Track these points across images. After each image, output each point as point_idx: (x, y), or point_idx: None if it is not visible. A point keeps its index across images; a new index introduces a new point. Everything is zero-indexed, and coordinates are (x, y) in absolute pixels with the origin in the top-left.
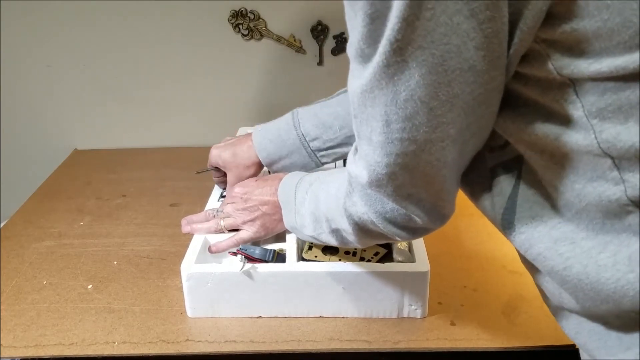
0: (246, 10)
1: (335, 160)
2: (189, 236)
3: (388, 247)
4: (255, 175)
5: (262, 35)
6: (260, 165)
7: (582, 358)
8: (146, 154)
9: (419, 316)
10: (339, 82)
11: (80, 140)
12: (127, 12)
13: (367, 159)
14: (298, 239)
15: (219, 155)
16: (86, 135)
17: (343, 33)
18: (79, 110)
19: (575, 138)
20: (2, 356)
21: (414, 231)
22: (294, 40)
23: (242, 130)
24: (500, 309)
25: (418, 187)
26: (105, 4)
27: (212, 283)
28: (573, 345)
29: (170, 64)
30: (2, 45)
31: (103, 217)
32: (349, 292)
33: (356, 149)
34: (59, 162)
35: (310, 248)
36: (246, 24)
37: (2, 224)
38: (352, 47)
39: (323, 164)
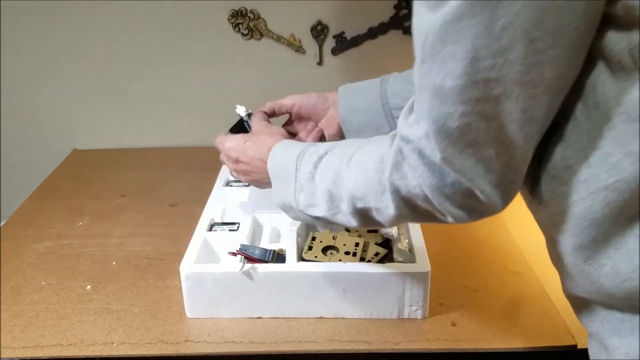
0: (246, 9)
1: None
2: (188, 236)
3: (388, 247)
4: (330, 120)
5: (261, 35)
6: (329, 95)
7: (590, 353)
8: (146, 154)
9: (419, 317)
10: (339, 81)
11: (80, 140)
12: (126, 12)
13: (432, 114)
14: (298, 239)
15: (292, 97)
16: (85, 135)
17: (343, 33)
18: (79, 110)
19: None
20: (1, 356)
21: (472, 211)
22: (294, 40)
23: None
24: (501, 310)
25: (491, 149)
26: (105, 4)
27: (211, 283)
28: (574, 346)
29: (170, 63)
30: (2, 45)
31: (102, 218)
32: (349, 293)
33: (411, 110)
34: (58, 162)
35: (310, 248)
36: (246, 23)
37: (1, 224)
38: None
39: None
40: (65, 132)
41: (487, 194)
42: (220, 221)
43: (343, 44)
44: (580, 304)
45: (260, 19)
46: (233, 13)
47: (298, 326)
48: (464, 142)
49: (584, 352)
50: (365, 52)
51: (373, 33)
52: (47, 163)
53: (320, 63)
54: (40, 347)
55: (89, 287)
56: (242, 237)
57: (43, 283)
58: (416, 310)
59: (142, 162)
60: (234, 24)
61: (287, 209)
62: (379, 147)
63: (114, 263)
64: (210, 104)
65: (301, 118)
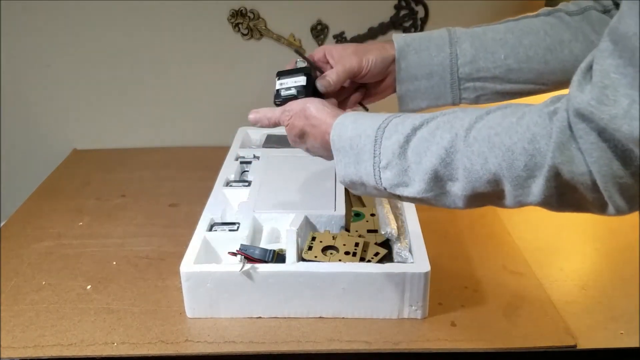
0: (246, 9)
1: (476, 97)
2: (188, 236)
3: (388, 247)
4: (376, 63)
5: (261, 35)
6: (386, 53)
7: None
8: (145, 154)
9: (419, 317)
10: None
11: (80, 140)
12: (126, 12)
13: None
14: (298, 239)
15: (333, 45)
16: (85, 135)
17: (343, 32)
18: (78, 110)
19: None
20: (1, 357)
21: (635, 206)
22: (294, 40)
23: (241, 130)
24: (501, 310)
25: None
26: (104, 4)
27: (211, 283)
28: (574, 346)
29: (170, 63)
30: (1, 45)
31: (102, 218)
32: (349, 293)
33: (588, 77)
34: (58, 162)
35: (310, 248)
36: (246, 23)
37: (1, 224)
38: None
39: (461, 100)
40: (65, 132)
41: None
42: (220, 221)
43: (343, 43)
44: None
45: (260, 19)
46: (233, 13)
47: (298, 326)
48: None
49: (584, 352)
50: None
51: (373, 33)
52: (47, 163)
53: None
54: (41, 347)
55: (89, 287)
56: (242, 237)
57: (43, 283)
58: (416, 310)
59: (142, 162)
60: (234, 24)
61: (356, 186)
62: (518, 120)
63: (114, 263)
64: (211, 103)
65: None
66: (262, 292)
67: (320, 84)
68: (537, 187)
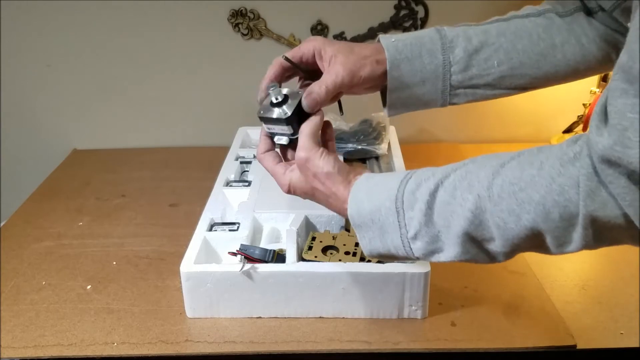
0: (246, 9)
1: (466, 102)
2: (188, 236)
3: None
4: (367, 78)
5: (261, 35)
6: (378, 67)
7: None
8: (145, 154)
9: (419, 317)
10: None
11: (80, 140)
12: (126, 12)
13: None
14: (298, 239)
15: (323, 42)
16: (85, 135)
17: (343, 32)
18: (78, 110)
19: None
20: (1, 356)
21: None
22: (294, 40)
23: (241, 130)
24: (501, 310)
25: None
26: (104, 3)
27: (211, 283)
28: (574, 346)
29: (170, 63)
30: (1, 45)
31: (102, 218)
32: (349, 293)
33: (605, 120)
34: (58, 162)
35: (310, 248)
36: (246, 23)
37: (1, 224)
38: None
39: (449, 104)
40: (66, 132)
41: None
42: (220, 221)
43: None
44: None
45: (260, 19)
46: (233, 13)
47: (298, 326)
48: None
49: (584, 352)
50: None
51: (373, 33)
52: (47, 163)
53: None
54: (41, 347)
55: (89, 287)
56: (242, 237)
57: (43, 283)
58: (416, 310)
59: (142, 162)
60: (233, 24)
61: (385, 257)
62: (539, 171)
63: (114, 263)
64: (210, 103)
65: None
66: (262, 292)
67: (306, 104)
68: (577, 234)
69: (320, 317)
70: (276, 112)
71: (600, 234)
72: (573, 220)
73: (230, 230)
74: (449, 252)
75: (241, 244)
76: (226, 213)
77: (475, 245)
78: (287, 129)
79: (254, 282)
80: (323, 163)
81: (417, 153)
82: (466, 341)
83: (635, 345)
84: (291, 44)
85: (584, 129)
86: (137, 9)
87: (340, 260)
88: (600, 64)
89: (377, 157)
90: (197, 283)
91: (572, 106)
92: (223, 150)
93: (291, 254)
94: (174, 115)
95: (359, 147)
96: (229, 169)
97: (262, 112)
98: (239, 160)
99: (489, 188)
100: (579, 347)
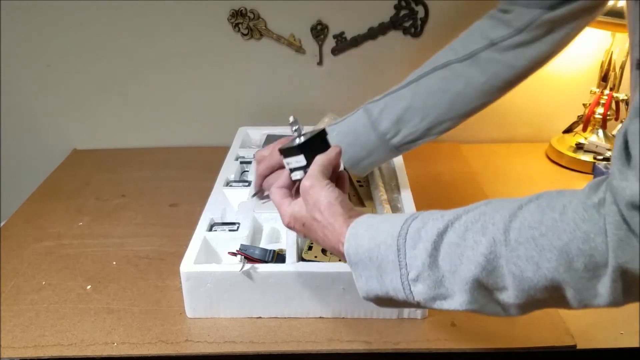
0: (246, 9)
1: (416, 146)
2: (188, 236)
3: None
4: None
5: (261, 35)
6: None
7: None
8: (145, 154)
9: (419, 317)
10: (339, 82)
11: (80, 140)
12: (126, 12)
13: None
14: (298, 239)
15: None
16: (85, 135)
17: (343, 33)
18: (78, 110)
19: None
20: (1, 356)
21: None
22: (294, 40)
23: (241, 130)
24: None
25: None
26: (104, 3)
27: (211, 283)
28: (574, 346)
29: (170, 63)
30: (1, 45)
31: (102, 218)
32: (349, 293)
33: (627, 163)
34: (58, 162)
35: (310, 248)
36: (246, 23)
37: (1, 224)
38: None
39: (403, 151)
40: (66, 132)
41: None
42: (220, 221)
43: (343, 44)
44: None
45: (260, 19)
46: (233, 13)
47: (298, 326)
48: None
49: (584, 352)
50: (365, 52)
51: (373, 33)
52: (47, 163)
53: (320, 63)
54: (41, 347)
55: (89, 287)
56: (242, 237)
57: (43, 283)
58: (416, 310)
59: (143, 162)
60: (233, 24)
61: (382, 301)
62: (561, 215)
63: (114, 263)
64: (210, 103)
65: None
66: (262, 292)
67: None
68: (604, 287)
69: (320, 317)
70: (293, 141)
71: (631, 287)
72: (599, 272)
73: (230, 230)
74: (455, 299)
75: (241, 244)
76: (226, 213)
77: (486, 294)
78: (302, 160)
79: (254, 282)
80: (326, 193)
81: (417, 153)
82: (466, 341)
83: (635, 345)
84: (291, 44)
85: (584, 129)
86: (137, 9)
87: (340, 260)
88: (519, 78)
89: None
90: (197, 283)
91: (572, 106)
92: (223, 150)
93: (291, 254)
94: (174, 115)
95: None
96: (229, 169)
97: (282, 145)
98: (239, 160)
99: (505, 232)
100: (579, 347)
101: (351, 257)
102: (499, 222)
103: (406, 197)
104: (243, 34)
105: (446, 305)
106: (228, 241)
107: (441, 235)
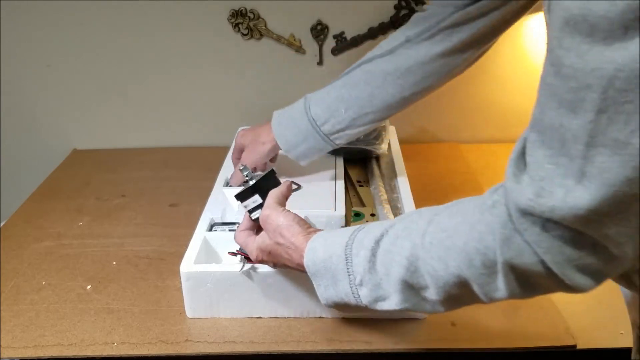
0: (246, 9)
1: (349, 141)
2: (188, 236)
3: None
4: (270, 153)
5: (261, 35)
6: (276, 145)
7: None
8: (145, 154)
9: (419, 317)
10: None
11: (80, 140)
12: (126, 12)
13: (605, 176)
14: None
15: (243, 135)
16: (85, 135)
17: (343, 32)
18: (78, 110)
19: None
20: (1, 356)
21: (601, 278)
22: (294, 40)
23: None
24: (501, 310)
25: None
26: (104, 3)
27: (211, 283)
28: (574, 346)
29: (170, 63)
30: (1, 45)
31: (102, 218)
32: None
33: (522, 169)
34: (58, 162)
35: None
36: (246, 23)
37: (1, 224)
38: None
39: (338, 145)
40: (65, 132)
41: (627, 256)
42: (220, 221)
43: (343, 44)
44: None
45: (260, 19)
46: (233, 13)
47: (298, 326)
48: (632, 212)
49: (584, 352)
50: (365, 52)
51: (373, 33)
52: (47, 163)
53: (320, 63)
54: (41, 347)
55: (89, 287)
56: None
57: (43, 283)
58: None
59: (142, 162)
60: (233, 24)
61: (340, 307)
62: (464, 219)
63: (114, 263)
64: (210, 104)
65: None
66: (262, 292)
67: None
68: (500, 282)
69: (320, 317)
70: (246, 185)
71: (524, 281)
72: (494, 268)
73: (230, 230)
74: (391, 299)
75: None
76: (226, 213)
77: (414, 293)
78: (257, 199)
79: (254, 282)
80: (283, 217)
81: (417, 153)
82: (466, 341)
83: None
84: (291, 44)
85: None
86: (137, 9)
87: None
88: (432, 75)
89: (377, 157)
90: (197, 283)
91: None
92: (223, 150)
93: None
94: (174, 115)
95: (359, 147)
96: (229, 169)
97: (238, 192)
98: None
99: (423, 235)
100: (579, 347)
101: (310, 268)
102: (420, 227)
103: (406, 197)
104: (243, 34)
105: (386, 305)
106: (228, 241)
107: (377, 242)
